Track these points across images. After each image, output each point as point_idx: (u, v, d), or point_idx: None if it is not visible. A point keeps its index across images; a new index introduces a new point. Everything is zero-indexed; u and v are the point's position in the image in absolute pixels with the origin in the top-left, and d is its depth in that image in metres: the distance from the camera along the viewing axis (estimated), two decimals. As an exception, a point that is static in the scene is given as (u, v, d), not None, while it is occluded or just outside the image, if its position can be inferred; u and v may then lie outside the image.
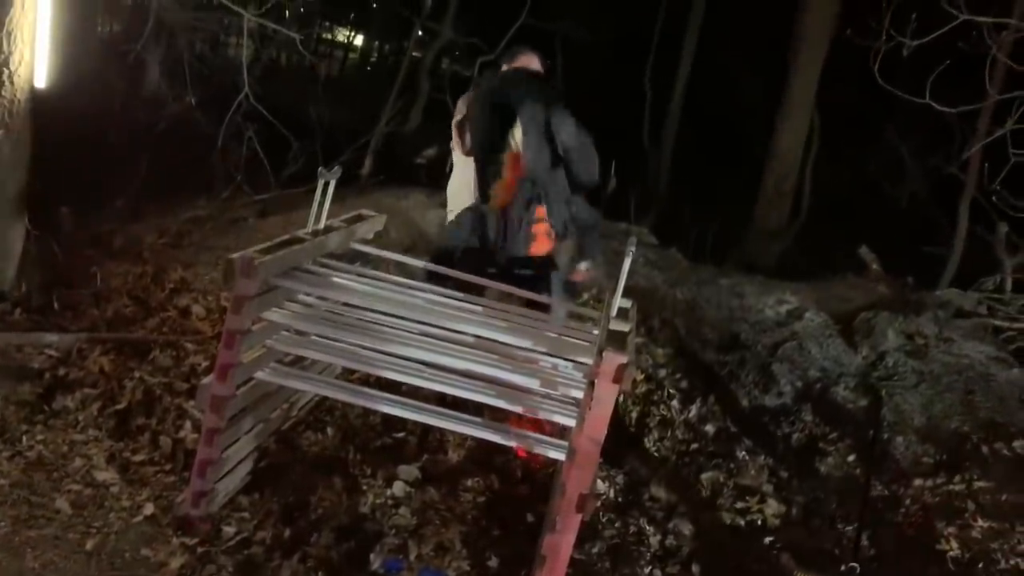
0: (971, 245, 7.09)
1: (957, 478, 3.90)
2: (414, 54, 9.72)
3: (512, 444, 3.08)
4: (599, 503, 3.55)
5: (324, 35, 26.18)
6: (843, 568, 3.25)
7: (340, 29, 27.67)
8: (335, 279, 3.26)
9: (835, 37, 7.75)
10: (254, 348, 3.08)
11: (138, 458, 3.37)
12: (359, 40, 27.61)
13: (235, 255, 2.84)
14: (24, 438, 3.32)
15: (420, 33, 9.82)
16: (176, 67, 6.40)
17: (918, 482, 3.92)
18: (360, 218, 3.82)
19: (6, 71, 3.78)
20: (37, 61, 3.88)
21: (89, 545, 2.87)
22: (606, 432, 2.63)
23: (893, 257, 6.53)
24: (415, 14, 9.08)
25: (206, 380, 3.01)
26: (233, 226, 5.52)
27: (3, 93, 3.80)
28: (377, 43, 26.94)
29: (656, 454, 4.10)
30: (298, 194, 5.71)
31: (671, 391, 4.57)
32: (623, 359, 2.56)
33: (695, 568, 3.28)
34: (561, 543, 2.74)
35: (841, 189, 9.61)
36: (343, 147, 6.64)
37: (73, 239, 4.79)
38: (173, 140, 5.95)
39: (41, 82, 3.92)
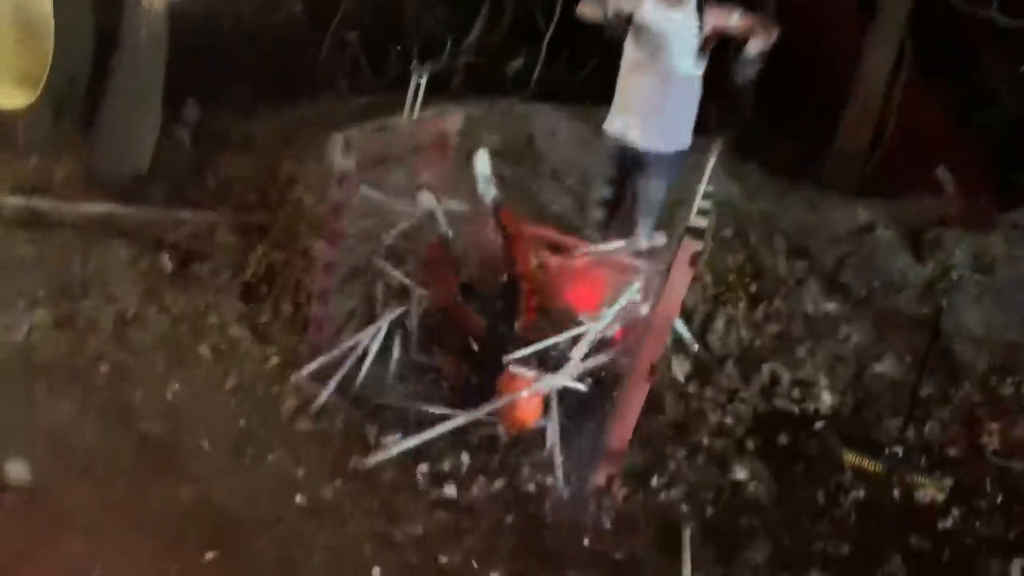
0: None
1: (1007, 381, 4.13)
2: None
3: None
4: (667, 383, 3.92)
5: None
6: (887, 452, 3.59)
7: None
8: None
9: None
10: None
11: (263, 320, 3.88)
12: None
13: (338, 134, 3.28)
14: (168, 297, 3.86)
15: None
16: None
17: (968, 384, 4.17)
18: (444, 113, 4.22)
19: (149, -23, 4.22)
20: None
21: (229, 384, 3.41)
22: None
23: (975, 182, 6.55)
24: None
25: (319, 246, 3.49)
26: (336, 126, 5.90)
27: (143, 0, 4.25)
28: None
29: (720, 348, 4.41)
30: (395, 98, 6.03)
31: (739, 293, 4.84)
32: (699, 247, 2.91)
33: (749, 444, 3.64)
34: (631, 405, 3.13)
35: (928, 114, 9.46)
36: (437, 54, 6.90)
37: (196, 130, 5.28)
38: (283, 44, 6.36)
39: (179, -12, 4.36)
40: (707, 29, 3.92)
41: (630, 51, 4.05)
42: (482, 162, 3.90)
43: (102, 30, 4.92)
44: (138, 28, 4.37)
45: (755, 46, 3.87)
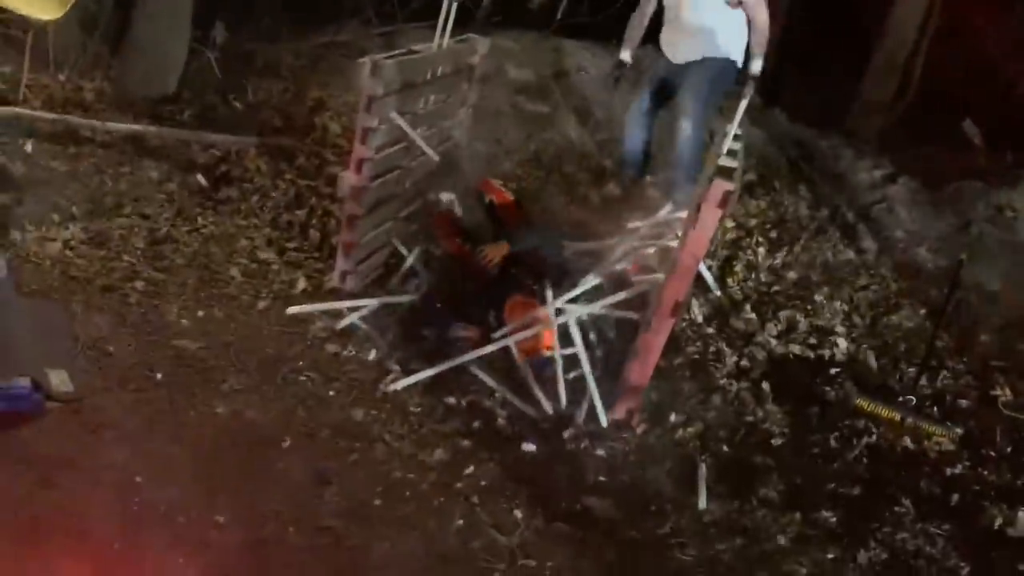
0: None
1: (1022, 336, 4.18)
2: None
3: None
4: (685, 323, 3.98)
5: None
6: (900, 399, 3.66)
7: None
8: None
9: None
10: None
11: (291, 245, 3.94)
12: None
13: (364, 59, 3.30)
14: (199, 218, 3.91)
15: None
16: None
17: (984, 337, 4.22)
18: (467, 40, 4.22)
19: None
20: None
21: (260, 305, 3.48)
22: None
23: (1002, 137, 6.50)
24: None
25: (344, 172, 3.52)
26: (362, 55, 5.87)
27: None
28: None
29: (739, 292, 4.44)
30: (420, 28, 5.99)
31: (760, 239, 4.87)
32: (729, 186, 2.93)
33: (764, 385, 3.70)
34: (654, 341, 3.20)
35: (955, 66, 9.33)
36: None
37: (223, 54, 5.24)
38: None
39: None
40: None
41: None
42: None
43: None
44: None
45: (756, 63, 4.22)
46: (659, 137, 4.62)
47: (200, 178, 4.17)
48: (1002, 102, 8.76)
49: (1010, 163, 5.77)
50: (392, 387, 3.19)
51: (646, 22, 4.45)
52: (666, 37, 4.43)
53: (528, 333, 3.40)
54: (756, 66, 4.24)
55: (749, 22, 4.21)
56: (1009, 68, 9.15)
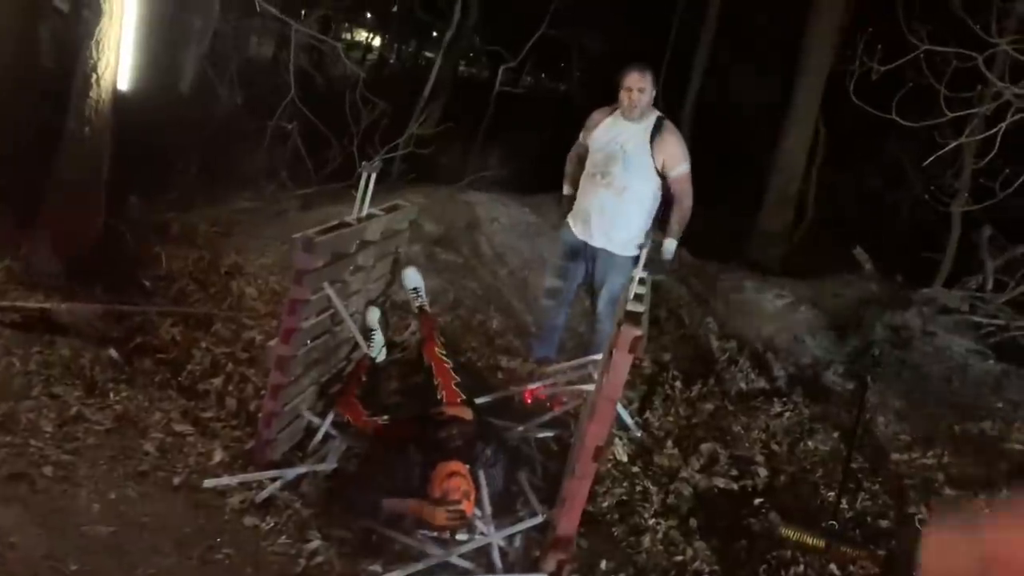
0: (964, 249, 7.48)
1: (930, 453, 4.36)
2: (428, 54, 10.21)
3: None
4: (611, 464, 4.02)
5: (344, 36, 26.60)
6: (823, 525, 3.73)
7: (359, 31, 28.12)
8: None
9: (838, 53, 8.19)
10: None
11: (207, 415, 3.86)
12: (376, 42, 28.01)
13: (298, 235, 3.36)
14: (111, 394, 3.82)
15: (436, 35, 10.31)
16: (223, 69, 6.90)
17: (895, 456, 4.39)
18: (396, 207, 4.34)
19: (94, 75, 4.29)
20: (120, 66, 4.39)
21: (176, 481, 3.37)
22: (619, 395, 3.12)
23: (891, 260, 6.96)
24: (439, 19, 9.56)
25: (272, 342, 3.51)
26: (278, 217, 6.03)
27: (91, 94, 4.31)
28: (396, 46, 27.36)
29: (659, 428, 4.54)
30: (335, 189, 6.20)
31: (675, 373, 5.03)
32: (637, 332, 3.05)
33: (692, 522, 3.74)
34: (579, 487, 3.21)
35: (844, 196, 10.04)
36: (377, 146, 7.11)
37: (137, 225, 5.29)
38: (221, 137, 6.46)
39: (124, 84, 4.43)
40: (657, 162, 4.31)
41: (588, 164, 4.40)
42: (410, 277, 4.33)
43: (40, 125, 4.97)
44: (84, 123, 4.41)
45: (670, 244, 4.49)
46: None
47: (113, 352, 4.11)
48: (888, 227, 9.42)
49: (901, 285, 6.15)
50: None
51: (578, 162, 4.64)
52: (584, 216, 4.51)
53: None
54: (670, 247, 4.50)
55: (669, 200, 4.48)
56: (890, 195, 9.90)
